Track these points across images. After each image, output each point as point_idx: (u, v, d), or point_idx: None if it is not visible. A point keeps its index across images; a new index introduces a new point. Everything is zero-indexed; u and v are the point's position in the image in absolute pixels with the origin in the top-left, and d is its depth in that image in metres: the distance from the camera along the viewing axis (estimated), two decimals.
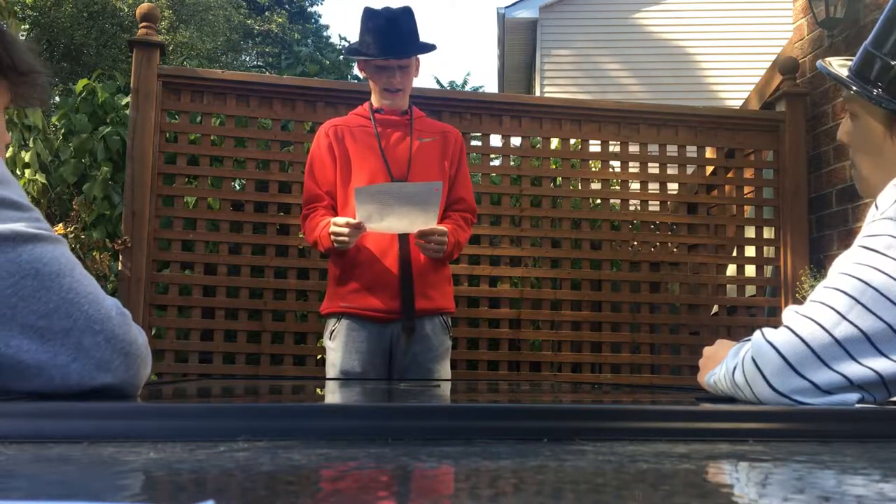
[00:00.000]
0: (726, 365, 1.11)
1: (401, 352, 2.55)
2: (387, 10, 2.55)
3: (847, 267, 1.03)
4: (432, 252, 2.50)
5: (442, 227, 2.49)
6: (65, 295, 0.89)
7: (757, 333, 1.07)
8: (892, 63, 1.15)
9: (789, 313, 1.04)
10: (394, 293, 2.51)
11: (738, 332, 3.87)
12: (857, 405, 0.97)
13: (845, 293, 1.00)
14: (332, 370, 2.57)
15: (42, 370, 0.88)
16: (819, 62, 1.31)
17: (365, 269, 2.52)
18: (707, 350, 1.29)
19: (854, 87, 1.19)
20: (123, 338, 0.93)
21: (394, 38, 2.51)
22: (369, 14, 2.55)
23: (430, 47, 2.60)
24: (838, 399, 0.98)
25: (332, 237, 2.44)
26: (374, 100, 2.65)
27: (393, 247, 2.52)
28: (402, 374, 2.56)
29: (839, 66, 1.27)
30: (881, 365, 0.97)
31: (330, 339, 2.57)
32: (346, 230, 2.41)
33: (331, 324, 2.58)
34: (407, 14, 2.55)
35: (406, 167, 2.56)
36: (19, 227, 0.88)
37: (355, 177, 2.55)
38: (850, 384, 0.97)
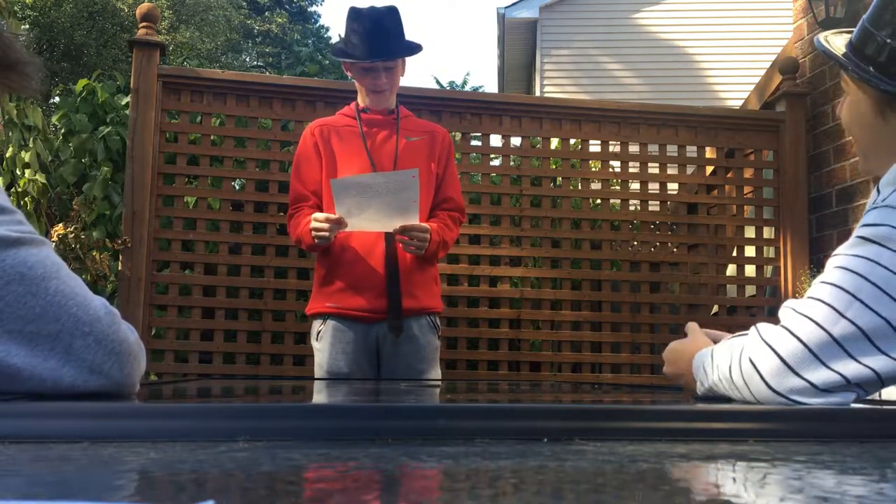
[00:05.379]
0: (718, 365, 1.09)
1: (388, 352, 2.53)
2: (371, 10, 2.52)
3: (845, 260, 1.01)
4: (414, 249, 2.46)
5: (423, 224, 2.47)
6: (51, 298, 0.87)
7: (752, 331, 1.05)
8: (887, 42, 1.12)
9: (786, 311, 1.03)
10: (379, 292, 2.49)
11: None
12: (855, 404, 0.97)
13: (843, 289, 0.98)
14: (318, 371, 2.55)
15: (33, 374, 0.86)
16: (816, 39, 1.26)
17: (350, 268, 2.50)
18: (675, 345, 1.30)
19: (850, 67, 1.16)
20: (114, 338, 0.92)
21: (379, 39, 2.48)
22: (354, 15, 2.52)
23: (415, 49, 2.56)
24: (836, 398, 0.97)
25: (313, 232, 2.42)
26: (361, 99, 2.64)
27: (378, 246, 2.50)
28: (391, 375, 2.54)
29: (835, 36, 1.25)
30: (879, 363, 0.96)
31: (316, 339, 2.56)
32: (325, 225, 2.39)
33: (317, 324, 2.57)
34: (392, 14, 2.51)
35: (392, 166, 2.54)
36: (1, 231, 0.86)
37: (341, 176, 2.52)
38: (848, 383, 0.96)
